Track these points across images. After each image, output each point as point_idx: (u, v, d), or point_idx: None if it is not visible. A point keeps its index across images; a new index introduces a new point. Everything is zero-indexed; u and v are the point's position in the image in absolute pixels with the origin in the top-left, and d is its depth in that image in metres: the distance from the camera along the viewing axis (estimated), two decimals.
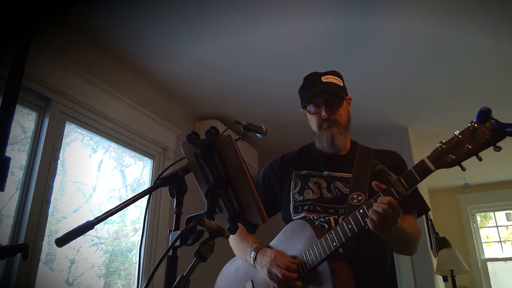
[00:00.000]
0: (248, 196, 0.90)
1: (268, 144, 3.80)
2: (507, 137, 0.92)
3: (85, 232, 0.81)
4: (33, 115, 2.06)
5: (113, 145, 2.62)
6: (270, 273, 1.28)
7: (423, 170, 1.04)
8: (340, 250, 1.20)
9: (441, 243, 4.60)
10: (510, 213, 5.52)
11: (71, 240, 0.79)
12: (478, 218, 5.56)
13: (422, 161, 1.04)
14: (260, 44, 2.44)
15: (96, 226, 0.83)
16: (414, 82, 2.91)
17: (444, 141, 1.00)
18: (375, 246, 1.24)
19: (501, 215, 5.53)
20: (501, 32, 2.29)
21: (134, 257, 2.62)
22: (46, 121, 2.07)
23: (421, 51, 2.52)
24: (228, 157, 0.90)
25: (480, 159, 0.96)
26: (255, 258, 1.37)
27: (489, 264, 5.20)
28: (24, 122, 2.03)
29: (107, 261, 2.44)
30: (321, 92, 1.41)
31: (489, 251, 5.34)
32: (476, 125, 0.94)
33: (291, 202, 1.45)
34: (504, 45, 2.42)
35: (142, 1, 2.04)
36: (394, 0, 2.06)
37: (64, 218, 2.19)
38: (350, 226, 1.17)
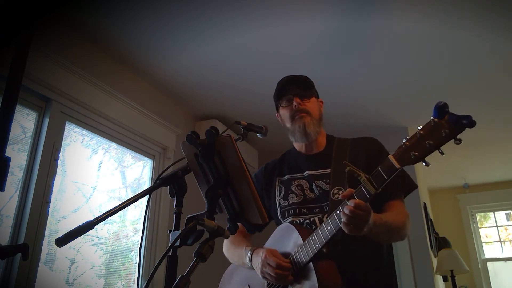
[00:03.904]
0: (248, 196, 0.90)
1: (268, 144, 3.80)
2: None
3: (85, 232, 0.81)
4: (33, 115, 2.06)
5: (113, 145, 2.62)
6: (263, 272, 1.31)
7: (389, 169, 1.03)
8: (324, 250, 1.21)
9: (441, 243, 4.60)
10: (510, 213, 5.52)
11: (71, 240, 0.79)
12: (478, 218, 5.56)
13: (388, 159, 1.04)
14: (260, 44, 2.44)
15: (96, 226, 0.83)
16: (414, 82, 2.91)
17: (407, 138, 1.01)
18: (363, 241, 1.23)
19: (501, 215, 5.53)
20: (501, 32, 2.29)
21: (134, 257, 2.62)
22: (46, 121, 2.07)
23: (421, 51, 2.52)
24: (228, 157, 0.90)
25: (442, 153, 0.96)
26: (251, 260, 1.39)
27: (489, 264, 5.20)
28: (24, 122, 2.02)
29: (107, 261, 2.44)
30: (292, 86, 1.47)
31: (489, 251, 5.34)
32: (436, 120, 0.94)
33: (278, 209, 1.48)
34: (504, 45, 2.42)
35: (142, 1, 2.04)
36: (394, 0, 2.06)
37: (64, 218, 2.18)
38: (329, 227, 1.18)
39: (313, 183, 1.42)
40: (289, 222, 1.41)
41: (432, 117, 0.95)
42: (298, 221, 1.40)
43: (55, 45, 2.12)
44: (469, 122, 0.89)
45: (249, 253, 1.41)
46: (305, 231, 1.31)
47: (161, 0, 2.03)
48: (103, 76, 2.43)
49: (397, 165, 1.01)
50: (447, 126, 0.92)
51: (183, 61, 2.60)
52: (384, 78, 2.85)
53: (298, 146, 1.53)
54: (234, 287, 1.51)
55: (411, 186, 1.42)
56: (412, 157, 0.98)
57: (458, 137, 0.91)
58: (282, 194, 1.49)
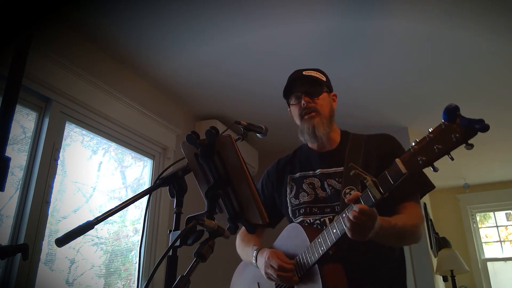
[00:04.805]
0: (248, 196, 0.90)
1: (268, 144, 3.80)
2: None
3: (85, 232, 0.81)
4: (33, 115, 2.06)
5: (113, 145, 2.62)
6: (266, 274, 1.31)
7: (395, 173, 0.98)
8: (330, 252, 1.19)
9: (441, 243, 4.60)
10: (510, 213, 5.52)
11: (71, 240, 0.79)
12: (478, 218, 5.56)
13: (395, 163, 0.98)
14: (260, 44, 2.44)
15: (96, 226, 0.83)
16: (414, 82, 2.91)
17: (416, 141, 0.95)
18: (371, 244, 1.19)
19: (501, 215, 5.53)
20: (502, 32, 2.29)
21: (134, 257, 2.62)
22: (46, 121, 2.06)
23: (421, 51, 2.52)
24: (228, 157, 0.90)
25: (452, 159, 0.90)
26: (256, 259, 1.39)
27: (489, 264, 5.20)
28: (24, 122, 2.02)
29: (107, 261, 2.44)
30: (301, 83, 1.43)
31: (489, 251, 5.34)
32: (446, 123, 0.89)
33: (289, 207, 1.46)
34: (504, 45, 2.42)
35: (142, 1, 2.04)
36: (394, 0, 2.06)
37: (64, 218, 2.18)
38: (335, 230, 1.15)
39: (325, 182, 1.38)
40: (299, 222, 1.40)
41: (442, 121, 0.90)
42: (308, 221, 1.38)
43: (55, 45, 2.12)
44: (482, 127, 0.84)
45: (254, 253, 1.40)
46: (313, 232, 1.28)
47: (161, 0, 2.03)
48: (103, 76, 2.43)
49: (403, 170, 0.96)
50: (458, 130, 0.86)
51: (183, 61, 2.60)
52: (384, 78, 2.85)
53: (311, 142, 1.49)
54: (244, 284, 1.52)
55: (427, 186, 1.35)
56: (420, 162, 0.93)
57: (469, 142, 0.86)
58: (293, 193, 1.46)
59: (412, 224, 1.24)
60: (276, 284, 1.35)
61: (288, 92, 1.47)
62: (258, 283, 1.44)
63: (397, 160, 0.98)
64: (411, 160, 0.95)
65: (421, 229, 1.27)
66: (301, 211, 1.41)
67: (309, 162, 1.48)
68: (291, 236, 1.37)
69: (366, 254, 1.26)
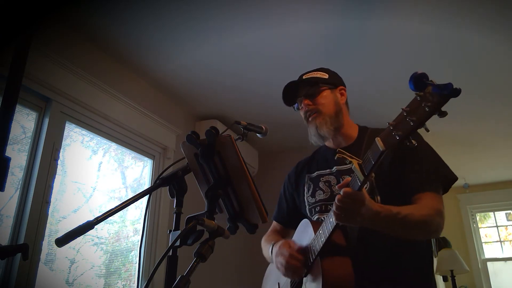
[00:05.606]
0: (248, 196, 0.90)
1: (268, 144, 3.80)
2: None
3: (85, 232, 0.81)
4: (33, 115, 2.06)
5: (113, 145, 2.62)
6: (277, 263, 1.31)
7: (375, 152, 0.94)
8: (337, 242, 1.18)
9: (441, 243, 4.60)
10: (510, 213, 5.52)
11: (71, 240, 0.79)
12: (478, 218, 5.56)
13: (375, 142, 0.94)
14: (260, 45, 2.44)
15: (96, 226, 0.83)
16: None
17: (394, 118, 0.92)
18: (383, 236, 1.13)
19: (501, 215, 5.53)
20: (503, 31, 2.29)
21: (134, 257, 2.62)
22: (46, 121, 2.07)
23: (422, 52, 2.52)
24: (228, 157, 0.90)
25: (427, 130, 0.86)
26: (271, 252, 1.41)
27: (489, 264, 5.20)
28: (24, 122, 2.02)
29: (107, 261, 2.44)
30: (301, 87, 1.44)
31: (489, 251, 5.34)
32: (420, 94, 0.83)
33: (306, 206, 1.47)
34: (506, 43, 2.42)
35: (142, 1, 2.05)
36: (395, 0, 2.06)
37: (64, 218, 2.19)
38: (331, 219, 1.13)
39: (341, 179, 1.35)
40: (315, 220, 1.40)
41: (415, 93, 0.85)
42: (323, 218, 1.36)
43: (55, 45, 2.12)
44: (452, 91, 0.77)
45: (270, 247, 1.42)
46: (319, 225, 1.26)
47: (161, 0, 2.03)
48: (103, 76, 2.43)
49: (382, 147, 0.92)
50: (430, 99, 0.81)
51: (183, 61, 2.60)
52: (385, 79, 2.85)
53: (327, 141, 1.48)
54: (268, 285, 1.55)
55: (448, 177, 1.28)
56: (397, 137, 0.89)
57: (443, 109, 0.81)
58: (310, 191, 1.47)
59: (422, 214, 1.17)
60: (291, 282, 1.36)
61: (292, 100, 1.49)
62: (278, 283, 1.46)
63: (377, 139, 0.95)
64: (389, 136, 0.92)
65: (436, 221, 1.21)
66: (316, 209, 1.42)
67: (326, 160, 1.48)
68: (303, 232, 1.38)
69: (378, 247, 1.21)
